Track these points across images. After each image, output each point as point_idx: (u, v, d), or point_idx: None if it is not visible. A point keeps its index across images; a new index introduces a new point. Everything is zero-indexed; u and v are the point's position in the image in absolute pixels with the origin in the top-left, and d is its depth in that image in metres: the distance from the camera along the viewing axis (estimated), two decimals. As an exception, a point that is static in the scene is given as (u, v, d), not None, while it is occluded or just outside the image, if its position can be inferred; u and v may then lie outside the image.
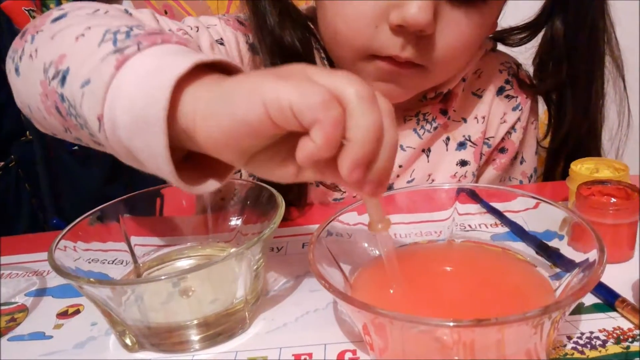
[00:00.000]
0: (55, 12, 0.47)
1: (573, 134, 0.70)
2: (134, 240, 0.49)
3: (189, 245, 0.51)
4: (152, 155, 0.35)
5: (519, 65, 0.74)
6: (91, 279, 0.39)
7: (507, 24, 0.70)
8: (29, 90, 0.45)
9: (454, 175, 0.69)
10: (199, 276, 0.39)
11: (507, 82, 0.71)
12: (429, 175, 0.69)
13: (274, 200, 0.45)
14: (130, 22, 0.41)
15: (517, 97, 0.71)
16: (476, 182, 0.71)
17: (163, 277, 0.38)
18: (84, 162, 1.21)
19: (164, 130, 0.34)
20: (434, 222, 0.47)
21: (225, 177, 0.39)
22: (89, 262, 0.45)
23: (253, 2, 0.60)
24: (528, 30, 0.70)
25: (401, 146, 0.66)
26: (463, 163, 0.69)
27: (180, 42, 0.38)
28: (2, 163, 1.21)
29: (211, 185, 0.39)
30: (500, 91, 0.71)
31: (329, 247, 0.40)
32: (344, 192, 0.67)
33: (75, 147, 1.20)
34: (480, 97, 0.70)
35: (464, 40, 0.57)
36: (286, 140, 0.34)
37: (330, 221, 0.42)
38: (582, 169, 0.54)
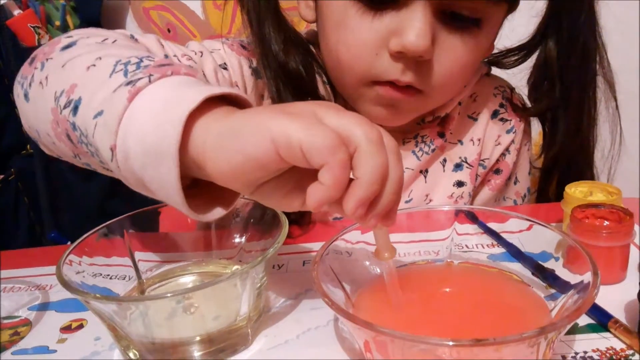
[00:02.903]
0: (64, 40, 0.49)
1: (565, 153, 0.71)
2: (137, 255, 0.50)
3: (192, 261, 0.51)
4: (163, 187, 0.36)
5: (512, 88, 0.76)
6: (97, 295, 0.40)
7: (503, 45, 0.72)
8: (38, 117, 0.46)
9: (451, 195, 0.70)
10: (203, 293, 0.40)
11: (501, 105, 0.73)
12: (427, 196, 0.70)
13: (277, 219, 0.47)
14: (140, 53, 0.43)
15: (510, 120, 0.73)
16: (472, 202, 0.72)
17: (169, 295, 0.39)
18: (83, 176, 1.21)
19: (176, 163, 0.35)
20: (432, 242, 0.48)
21: (231, 204, 0.41)
22: (94, 277, 0.46)
23: (258, 30, 0.61)
24: (522, 51, 0.72)
25: None
26: (460, 184, 0.71)
27: (189, 73, 0.40)
28: (2, 176, 1.21)
29: (218, 213, 0.40)
30: (494, 114, 0.73)
31: (332, 265, 0.41)
32: None
33: (76, 162, 1.21)
34: (475, 119, 0.72)
35: (460, 65, 0.59)
36: (292, 172, 0.35)
37: (334, 240, 0.43)
38: (576, 192, 0.55)
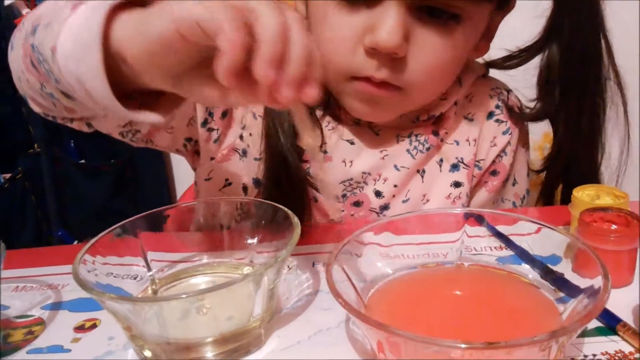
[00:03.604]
0: None
1: (564, 158, 0.72)
2: (150, 255, 0.51)
3: (203, 262, 0.52)
4: (94, 78, 0.40)
5: (509, 90, 0.76)
6: (113, 295, 0.41)
7: (503, 44, 0.72)
8: (16, 58, 0.50)
9: (449, 196, 0.70)
10: (217, 295, 0.40)
11: (497, 107, 0.73)
12: (424, 196, 0.70)
13: (288, 220, 0.47)
14: None
15: (506, 121, 0.73)
16: (469, 203, 0.72)
17: (184, 296, 0.39)
18: (89, 175, 1.22)
19: (99, 47, 0.39)
20: (441, 244, 0.48)
21: (167, 114, 0.44)
22: (107, 276, 0.46)
23: None
24: (523, 54, 0.72)
25: (395, 166, 0.69)
26: (457, 184, 0.71)
27: None
28: (10, 175, 1.22)
29: (151, 117, 0.43)
30: (490, 115, 0.73)
31: (344, 266, 0.42)
32: (342, 210, 0.70)
33: (82, 161, 1.22)
34: (471, 120, 0.72)
35: (438, 62, 0.59)
36: (209, 63, 0.37)
37: (347, 242, 0.43)
38: (583, 195, 0.56)
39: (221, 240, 0.52)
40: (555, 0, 0.66)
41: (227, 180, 0.70)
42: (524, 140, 0.76)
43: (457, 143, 0.71)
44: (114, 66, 0.40)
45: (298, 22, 0.37)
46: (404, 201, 0.70)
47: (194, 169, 0.75)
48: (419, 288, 0.41)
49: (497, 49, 0.73)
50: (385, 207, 0.69)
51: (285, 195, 0.67)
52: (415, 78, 0.59)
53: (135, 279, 0.49)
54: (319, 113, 0.69)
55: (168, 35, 0.36)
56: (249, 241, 0.51)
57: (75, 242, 1.24)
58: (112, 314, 0.42)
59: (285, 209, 0.48)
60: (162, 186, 1.38)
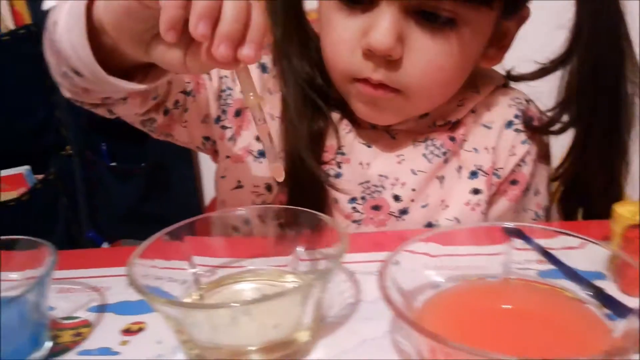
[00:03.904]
0: None
1: (580, 175, 0.72)
2: (195, 259, 0.52)
3: (248, 268, 0.53)
4: (81, 45, 0.48)
5: (529, 101, 0.76)
6: (166, 299, 0.42)
7: (522, 54, 0.72)
8: (45, 46, 0.56)
9: (468, 203, 0.71)
10: (267, 303, 0.41)
11: (516, 116, 0.73)
12: (442, 201, 0.71)
13: (333, 230, 0.48)
14: None
15: (526, 131, 0.73)
16: (487, 211, 0.72)
17: (237, 304, 0.40)
18: (120, 178, 1.24)
19: (84, 17, 0.47)
20: (487, 257, 0.48)
21: (147, 82, 0.52)
22: (156, 280, 0.47)
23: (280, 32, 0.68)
24: (547, 67, 0.71)
25: (412, 170, 0.70)
26: (476, 191, 0.71)
27: None
28: (42, 176, 1.24)
29: (128, 85, 0.51)
30: (509, 125, 0.73)
31: (395, 276, 0.42)
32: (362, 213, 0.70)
33: (114, 164, 1.24)
34: (490, 128, 0.72)
35: (434, 66, 0.60)
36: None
37: (399, 251, 0.44)
38: (624, 211, 0.56)
39: (265, 246, 0.53)
40: (578, 10, 0.65)
41: (239, 182, 0.72)
42: (544, 151, 0.76)
43: (476, 150, 0.72)
44: (101, 38, 0.48)
45: None
46: (423, 206, 0.70)
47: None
48: (468, 301, 0.41)
49: (518, 59, 0.73)
50: (404, 212, 0.70)
51: (305, 196, 0.68)
52: (412, 81, 0.61)
53: (181, 282, 0.50)
54: (336, 116, 0.70)
55: (128, 4, 0.42)
56: (293, 248, 0.52)
57: (105, 244, 1.25)
58: (165, 317, 0.42)
59: (329, 219, 0.49)
60: (192, 190, 1.40)
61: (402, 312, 0.36)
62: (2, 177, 1.22)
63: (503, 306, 0.45)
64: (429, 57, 0.60)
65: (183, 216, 1.39)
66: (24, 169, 1.23)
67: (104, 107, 0.61)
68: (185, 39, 0.43)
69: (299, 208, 0.52)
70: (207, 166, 1.43)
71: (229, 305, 0.41)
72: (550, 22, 0.66)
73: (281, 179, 0.50)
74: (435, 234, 0.45)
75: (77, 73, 0.52)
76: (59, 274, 0.60)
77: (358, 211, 0.70)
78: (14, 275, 0.51)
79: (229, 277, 0.52)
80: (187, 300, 0.49)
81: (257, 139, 0.71)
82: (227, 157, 0.72)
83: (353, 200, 0.70)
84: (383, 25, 0.57)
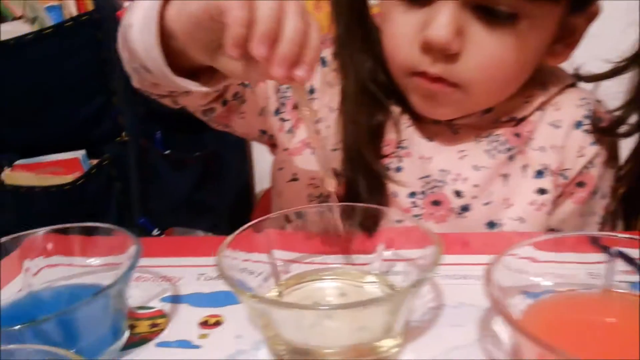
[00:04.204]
0: None
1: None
2: (275, 253, 0.50)
3: (329, 266, 0.51)
4: (153, 46, 0.49)
5: (598, 101, 0.73)
6: (257, 295, 0.40)
7: (593, 53, 0.68)
8: (120, 40, 0.58)
9: (533, 202, 0.68)
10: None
11: (585, 117, 0.70)
12: (506, 200, 0.69)
13: (422, 233, 0.46)
14: None
15: (595, 132, 0.70)
16: (552, 213, 0.70)
17: (325, 307, 0.38)
18: (174, 167, 1.24)
19: (156, 21, 0.48)
20: (590, 265, 0.45)
21: (210, 85, 0.54)
22: (240, 272, 0.46)
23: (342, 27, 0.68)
24: (618, 68, 0.69)
25: (474, 166, 0.68)
26: (542, 191, 0.69)
27: None
28: (97, 161, 1.25)
29: (192, 85, 0.53)
30: (578, 125, 0.70)
31: (500, 280, 0.40)
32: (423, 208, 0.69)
33: (168, 152, 1.24)
34: (558, 128, 0.70)
35: (495, 62, 0.59)
36: None
37: (505, 254, 0.42)
38: None
39: (347, 242, 0.51)
40: None
41: (294, 174, 0.72)
42: (613, 153, 0.73)
43: (543, 150, 0.69)
44: (171, 42, 0.50)
45: (294, 6, 0.42)
46: (485, 204, 0.68)
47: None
48: (569, 311, 0.39)
49: (587, 58, 0.70)
50: (465, 208, 0.68)
51: (363, 189, 0.67)
52: (470, 75, 0.60)
53: (261, 275, 0.49)
54: (397, 110, 0.69)
55: (199, 14, 0.44)
56: (375, 246, 0.50)
57: (156, 230, 1.26)
58: (251, 311, 0.41)
59: (414, 219, 0.47)
60: (245, 181, 1.39)
61: (513, 319, 0.34)
62: (59, 161, 1.23)
63: (607, 319, 0.42)
64: (488, 51, 0.59)
65: (235, 206, 1.41)
66: (79, 154, 1.24)
67: (169, 98, 0.64)
68: (247, 52, 0.44)
69: (381, 207, 0.50)
70: (259, 157, 1.42)
71: (326, 308, 0.40)
72: (621, 19, 0.64)
73: (333, 189, 0.51)
74: (542, 240, 0.43)
75: (148, 70, 0.54)
76: (118, 258, 0.60)
77: (417, 206, 0.69)
78: (92, 261, 0.51)
79: (309, 274, 0.50)
80: (270, 295, 0.48)
81: None
82: (285, 149, 0.73)
83: (412, 194, 0.69)
84: (442, 19, 0.56)
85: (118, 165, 1.25)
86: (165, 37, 0.50)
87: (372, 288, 0.49)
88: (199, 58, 0.50)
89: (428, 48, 0.59)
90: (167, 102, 0.65)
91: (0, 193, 1.25)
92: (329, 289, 0.49)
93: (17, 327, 0.35)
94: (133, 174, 1.23)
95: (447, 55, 0.59)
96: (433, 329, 0.46)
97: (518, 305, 0.41)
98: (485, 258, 0.56)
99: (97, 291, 0.39)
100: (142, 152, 1.23)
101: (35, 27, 1.20)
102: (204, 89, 0.54)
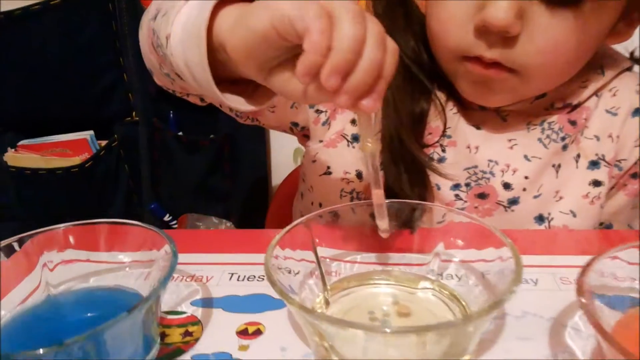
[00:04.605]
0: None
1: None
2: (320, 251, 0.46)
3: (379, 269, 0.46)
4: (199, 64, 0.44)
5: None
6: (305, 307, 0.36)
7: None
8: (143, 38, 0.55)
9: (587, 195, 0.64)
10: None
11: None
12: (557, 192, 0.65)
13: (489, 233, 0.41)
14: None
15: None
16: (603, 206, 0.66)
17: (389, 331, 0.34)
18: (187, 149, 1.18)
19: (204, 39, 0.43)
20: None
21: (258, 104, 0.48)
22: (285, 273, 0.41)
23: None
24: None
25: (525, 156, 0.64)
26: (596, 183, 0.65)
27: None
28: (106, 142, 1.19)
29: (242, 106, 0.47)
30: (635, 112, 0.66)
31: (593, 288, 0.35)
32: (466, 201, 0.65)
33: (181, 133, 1.19)
34: (615, 115, 0.65)
35: (558, 45, 0.54)
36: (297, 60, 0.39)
37: (601, 257, 0.37)
38: None
39: (403, 242, 0.47)
40: None
41: (328, 167, 0.68)
42: None
43: (598, 139, 0.65)
44: (216, 54, 0.44)
45: (376, 34, 0.38)
46: (535, 197, 0.64)
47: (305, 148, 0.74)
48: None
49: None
50: (514, 202, 0.64)
51: (405, 181, 0.63)
52: (530, 60, 0.55)
53: (310, 277, 0.45)
54: (442, 96, 0.65)
55: (264, 30, 0.38)
56: (432, 245, 0.45)
57: (167, 216, 1.21)
58: (302, 322, 0.37)
59: (480, 219, 0.42)
60: (262, 167, 1.34)
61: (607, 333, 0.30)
62: (66, 142, 1.18)
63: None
64: (550, 34, 0.54)
65: (250, 193, 1.35)
66: (87, 134, 1.19)
67: (196, 96, 0.59)
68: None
69: (438, 205, 0.46)
70: (276, 141, 1.36)
71: (389, 331, 0.34)
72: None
73: (386, 235, 0.46)
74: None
75: (182, 78, 0.50)
76: (147, 255, 0.55)
77: (461, 199, 0.65)
78: (122, 257, 0.46)
79: (360, 277, 0.46)
80: (317, 300, 0.43)
81: (353, 122, 0.67)
82: (320, 141, 0.68)
83: (456, 186, 0.65)
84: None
85: (128, 147, 1.20)
86: (210, 50, 0.44)
87: (428, 295, 0.44)
88: (251, 75, 0.44)
89: (485, 31, 0.54)
90: (192, 99, 0.61)
91: (3, 175, 1.19)
92: (381, 295, 0.45)
93: (41, 351, 0.30)
94: (144, 156, 1.18)
95: (505, 38, 0.54)
96: (499, 343, 0.41)
97: (608, 317, 0.37)
98: (539, 259, 0.53)
99: (132, 307, 0.34)
100: (153, 133, 1.17)
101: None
102: (254, 108, 0.48)
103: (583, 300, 0.34)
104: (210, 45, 0.43)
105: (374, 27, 0.38)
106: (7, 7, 1.12)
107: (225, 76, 0.46)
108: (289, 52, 0.40)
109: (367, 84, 0.38)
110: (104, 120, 1.20)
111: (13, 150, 1.23)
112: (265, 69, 0.41)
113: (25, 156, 1.20)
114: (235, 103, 0.47)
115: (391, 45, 0.39)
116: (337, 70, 0.36)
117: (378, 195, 0.43)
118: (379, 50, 0.37)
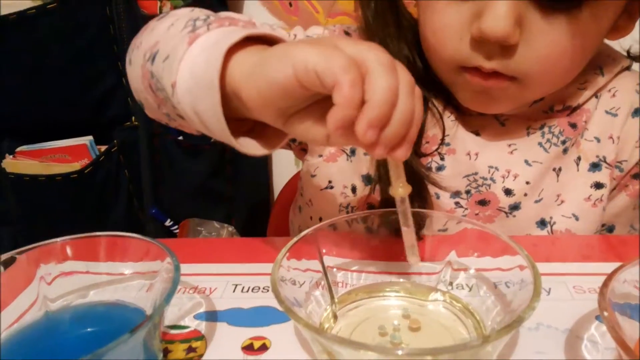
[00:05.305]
0: (163, 14, 0.55)
1: None
2: (327, 260, 0.44)
3: (387, 280, 0.45)
4: (212, 114, 0.41)
5: None
6: (313, 326, 0.34)
7: None
8: (135, 76, 0.52)
9: (589, 198, 0.63)
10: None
11: None
12: (558, 196, 0.64)
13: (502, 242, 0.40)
14: (214, 15, 0.48)
15: None
16: (605, 208, 0.65)
17: (400, 352, 0.32)
18: (188, 153, 1.17)
19: (217, 89, 0.40)
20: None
21: (273, 147, 0.45)
22: (292, 286, 0.40)
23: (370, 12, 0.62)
24: None
25: (526, 161, 0.63)
26: (598, 185, 0.63)
27: (246, 25, 0.43)
28: (106, 147, 1.18)
29: (255, 150, 0.44)
30: (635, 112, 0.64)
31: (613, 299, 0.34)
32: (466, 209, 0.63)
33: (181, 137, 1.17)
34: (615, 116, 0.64)
35: (558, 51, 0.53)
36: (319, 103, 0.38)
37: (625, 267, 0.35)
38: None
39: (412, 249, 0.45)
40: None
41: (330, 182, 0.66)
42: None
43: (598, 140, 0.64)
44: (228, 101, 0.41)
45: (408, 85, 0.37)
46: (536, 201, 0.63)
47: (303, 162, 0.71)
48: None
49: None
50: (515, 207, 0.63)
51: None
52: (530, 67, 0.53)
53: (317, 288, 0.43)
54: (439, 104, 0.63)
55: (286, 81, 0.36)
56: (444, 253, 0.44)
57: (169, 221, 1.20)
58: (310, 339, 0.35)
59: (494, 229, 0.41)
60: (263, 171, 1.32)
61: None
62: (65, 148, 1.17)
63: None
64: (549, 40, 0.52)
65: (252, 197, 1.33)
66: (87, 140, 1.17)
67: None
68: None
69: (450, 215, 0.44)
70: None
71: (404, 354, 0.33)
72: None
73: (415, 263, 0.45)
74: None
75: (182, 117, 0.47)
76: (147, 265, 0.54)
77: (461, 206, 0.63)
78: (123, 269, 0.45)
79: (368, 288, 0.44)
80: (324, 315, 0.42)
81: None
82: (320, 155, 0.66)
83: (456, 194, 0.63)
84: (499, 8, 0.49)
85: (128, 152, 1.19)
86: (223, 96, 0.41)
87: (439, 308, 0.43)
88: (268, 121, 0.41)
89: (482, 41, 0.52)
90: (186, 130, 0.55)
91: (2, 182, 1.18)
92: (391, 309, 0.43)
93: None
94: (144, 161, 1.16)
95: (503, 47, 0.52)
96: (514, 357, 0.40)
97: (629, 331, 0.35)
98: (549, 267, 0.51)
99: (134, 327, 0.33)
100: (153, 137, 1.16)
101: (37, 2, 1.12)
102: (269, 151, 0.45)
103: (606, 314, 0.32)
104: (221, 92, 0.40)
105: (405, 76, 0.37)
106: (7, 9, 1.11)
107: (236, 117, 0.43)
108: (310, 100, 0.38)
109: (402, 135, 0.37)
110: (104, 125, 1.19)
111: (11, 156, 1.22)
112: (284, 115, 0.40)
113: (24, 162, 1.19)
114: (250, 149, 0.44)
115: (418, 91, 0.38)
116: (374, 125, 0.35)
117: (409, 234, 0.42)
118: (411, 100, 0.37)
